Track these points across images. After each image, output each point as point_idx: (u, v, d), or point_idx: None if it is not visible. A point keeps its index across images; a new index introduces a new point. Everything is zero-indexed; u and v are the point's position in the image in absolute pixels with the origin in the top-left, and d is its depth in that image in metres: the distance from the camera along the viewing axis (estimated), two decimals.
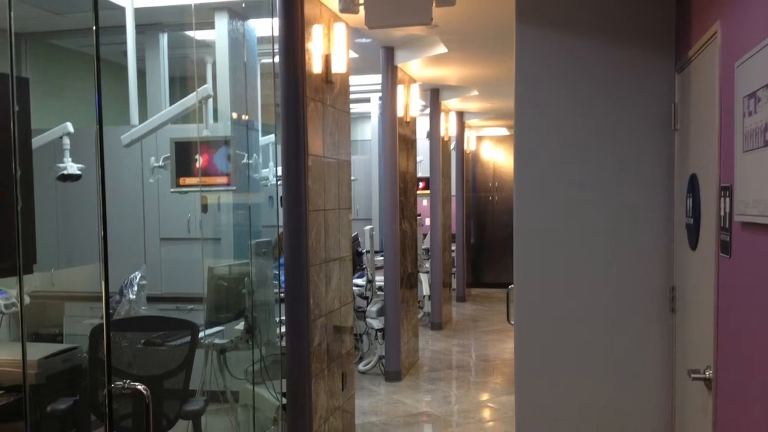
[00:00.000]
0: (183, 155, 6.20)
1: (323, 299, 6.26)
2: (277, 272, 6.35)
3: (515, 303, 4.71)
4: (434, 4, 5.19)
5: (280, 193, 5.89)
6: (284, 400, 6.00)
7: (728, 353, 3.25)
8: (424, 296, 12.80)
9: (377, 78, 9.61)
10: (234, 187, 6.18)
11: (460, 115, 15.28)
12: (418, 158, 11.90)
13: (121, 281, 6.72)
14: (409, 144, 10.60)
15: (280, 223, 5.90)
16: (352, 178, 7.75)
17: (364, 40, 8.88)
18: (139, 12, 7.70)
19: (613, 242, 4.54)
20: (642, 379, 4.55)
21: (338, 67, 6.41)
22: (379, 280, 10.12)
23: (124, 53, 8.03)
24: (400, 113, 9.69)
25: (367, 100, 13.62)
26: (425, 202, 13.31)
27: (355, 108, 12.42)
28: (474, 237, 17.89)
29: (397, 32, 8.45)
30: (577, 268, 4.59)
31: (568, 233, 4.59)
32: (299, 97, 5.77)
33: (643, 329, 4.54)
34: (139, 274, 6.75)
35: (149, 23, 8.40)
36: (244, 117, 6.62)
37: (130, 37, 7.90)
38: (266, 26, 6.33)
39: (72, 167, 6.68)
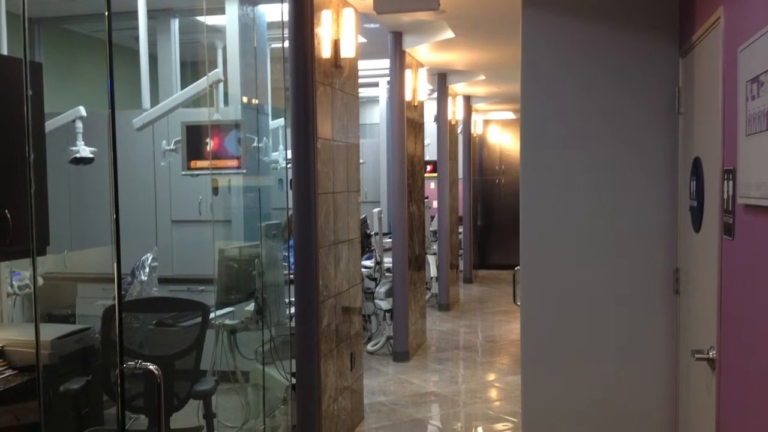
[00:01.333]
0: (194, 139, 6.24)
1: (332, 281, 6.31)
2: (287, 254, 6.39)
3: (521, 284, 4.75)
4: None
5: (290, 176, 5.93)
6: (294, 380, 6.05)
7: (731, 333, 3.29)
8: (431, 278, 12.84)
9: (385, 63, 9.64)
10: (244, 170, 6.21)
11: (467, 99, 15.29)
12: (426, 142, 11.94)
13: (133, 263, 6.78)
14: (416, 128, 10.62)
15: (290, 205, 5.93)
16: (361, 161, 7.79)
17: (372, 26, 8.91)
18: None
19: (617, 225, 4.57)
20: (646, 360, 4.59)
21: (347, 52, 6.45)
22: (388, 261, 10.16)
23: (136, 38, 8.07)
24: (408, 97, 9.72)
25: (376, 85, 13.62)
26: (433, 185, 13.33)
27: (363, 92, 12.45)
28: (481, 219, 17.91)
29: (405, 17, 8.48)
30: (582, 250, 4.63)
31: (574, 216, 4.63)
32: (308, 82, 5.81)
33: (648, 310, 4.58)
34: (151, 256, 6.81)
35: (161, 9, 8.45)
36: (255, 101, 6.67)
37: (141, 23, 7.94)
38: (276, 11, 6.35)
39: (84, 150, 6.72)
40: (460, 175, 15.19)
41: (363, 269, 9.31)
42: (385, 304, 9.64)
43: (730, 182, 3.19)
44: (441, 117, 12.70)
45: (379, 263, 10.32)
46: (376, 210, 10.51)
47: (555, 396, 4.75)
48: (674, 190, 4.47)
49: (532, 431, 4.79)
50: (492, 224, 18.31)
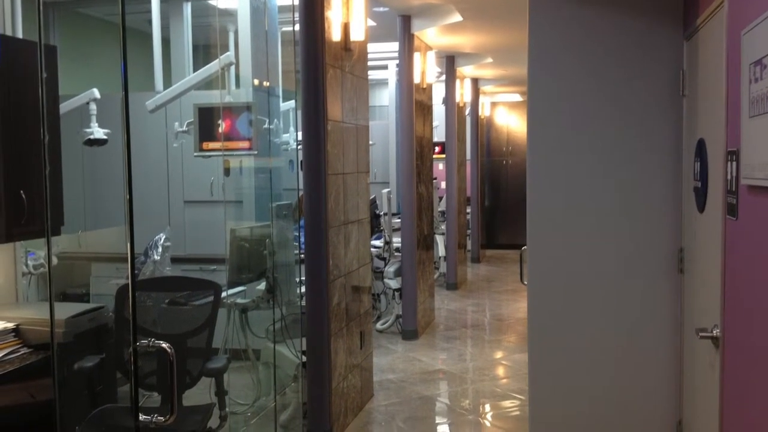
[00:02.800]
0: (206, 120, 6.28)
1: (342, 260, 6.37)
2: (297, 234, 6.43)
3: (528, 264, 4.80)
4: None
5: (300, 157, 5.98)
6: (304, 358, 6.10)
7: (735, 312, 3.34)
8: (439, 257, 12.89)
9: (394, 46, 9.68)
10: (255, 152, 6.24)
11: (475, 81, 15.31)
12: (434, 123, 11.97)
13: (146, 243, 6.82)
14: (425, 110, 10.66)
15: (300, 186, 5.98)
16: (370, 142, 7.84)
17: (381, 9, 8.94)
18: None
19: (622, 205, 4.63)
20: (651, 338, 4.65)
21: (357, 35, 6.48)
22: (397, 241, 10.22)
23: (149, 22, 8.11)
24: (416, 80, 9.76)
25: (385, 67, 13.63)
26: (441, 166, 13.35)
27: (372, 75, 12.46)
28: (488, 200, 17.93)
29: (414, 1, 8.52)
30: (588, 230, 4.68)
31: (579, 196, 4.67)
32: (319, 64, 5.85)
33: (652, 289, 4.63)
34: (164, 236, 6.85)
35: None
36: (266, 83, 6.70)
37: (155, 6, 7.99)
38: None
39: (98, 132, 6.76)
40: (468, 156, 15.21)
41: (372, 249, 9.36)
42: (394, 283, 9.70)
43: (734, 163, 3.23)
44: (449, 99, 12.73)
45: (388, 243, 10.37)
46: (385, 191, 10.55)
47: (561, 373, 4.81)
48: (679, 171, 4.52)
49: (539, 408, 4.85)
50: (499, 204, 18.35)
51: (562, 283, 4.73)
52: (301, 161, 5.95)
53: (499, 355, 8.93)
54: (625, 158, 4.60)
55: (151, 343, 3.05)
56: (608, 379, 4.72)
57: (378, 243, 10.39)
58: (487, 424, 6.78)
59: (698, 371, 4.12)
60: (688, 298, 4.41)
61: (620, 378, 4.71)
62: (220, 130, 6.25)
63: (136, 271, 6.20)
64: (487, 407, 7.16)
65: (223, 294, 5.76)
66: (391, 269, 9.82)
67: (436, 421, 6.93)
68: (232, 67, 6.88)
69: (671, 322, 4.61)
